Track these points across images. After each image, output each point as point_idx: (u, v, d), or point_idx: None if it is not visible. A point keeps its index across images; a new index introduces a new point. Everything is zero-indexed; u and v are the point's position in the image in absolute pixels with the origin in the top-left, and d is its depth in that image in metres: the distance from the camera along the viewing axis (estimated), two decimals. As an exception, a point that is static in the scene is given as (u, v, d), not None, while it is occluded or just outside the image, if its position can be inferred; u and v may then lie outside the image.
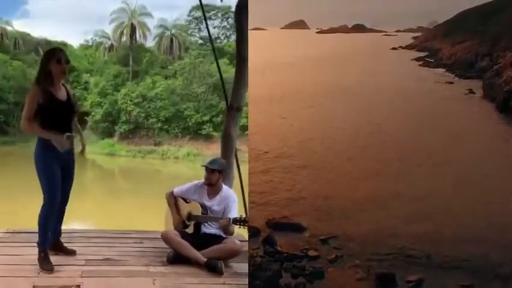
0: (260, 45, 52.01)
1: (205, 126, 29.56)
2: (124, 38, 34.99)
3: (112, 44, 35.95)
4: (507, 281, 6.48)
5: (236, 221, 4.10)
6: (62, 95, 3.79)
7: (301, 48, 56.61)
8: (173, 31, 34.81)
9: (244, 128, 21.78)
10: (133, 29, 34.74)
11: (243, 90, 4.82)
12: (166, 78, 32.68)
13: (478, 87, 22.75)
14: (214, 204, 4.31)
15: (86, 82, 33.58)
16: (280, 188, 10.07)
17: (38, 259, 3.71)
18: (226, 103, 4.95)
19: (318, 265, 6.86)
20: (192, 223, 4.30)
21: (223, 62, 29.46)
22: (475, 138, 14.67)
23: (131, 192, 22.04)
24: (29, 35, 35.82)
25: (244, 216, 4.20)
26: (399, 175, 10.99)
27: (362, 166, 11.62)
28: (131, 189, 23.26)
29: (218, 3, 35.12)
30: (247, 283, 3.76)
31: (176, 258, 4.07)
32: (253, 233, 7.34)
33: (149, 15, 35.25)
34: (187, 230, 4.28)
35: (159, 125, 30.38)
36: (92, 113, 30.42)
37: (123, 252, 4.23)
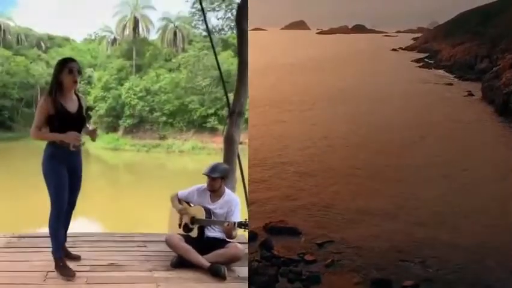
0: (260, 46, 52.13)
1: (210, 120, 29.52)
2: (126, 32, 34.95)
3: (114, 38, 35.96)
4: None
5: (241, 225, 4.12)
6: (72, 106, 3.79)
7: (302, 49, 56.72)
8: (176, 23, 34.67)
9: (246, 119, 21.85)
10: (135, 23, 34.68)
11: (245, 94, 4.83)
12: (170, 71, 32.62)
13: (477, 89, 22.80)
14: (217, 207, 4.33)
15: (90, 76, 33.68)
16: (279, 192, 10.07)
17: (56, 267, 3.74)
18: (228, 108, 4.97)
19: (314, 270, 6.87)
20: (196, 227, 4.32)
21: (228, 54, 29.32)
22: (473, 141, 14.65)
23: (136, 187, 22.17)
24: (31, 30, 35.89)
25: (247, 220, 4.21)
26: (398, 178, 10.97)
27: (361, 170, 11.59)
28: (136, 183, 23.39)
29: (222, -6, 34.89)
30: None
31: (180, 263, 4.09)
32: (251, 237, 7.33)
33: (152, 7, 35.16)
34: (190, 234, 4.31)
35: (163, 118, 30.40)
36: (96, 108, 30.50)
37: (127, 257, 4.26)
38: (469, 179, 11.00)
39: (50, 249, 3.80)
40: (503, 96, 18.34)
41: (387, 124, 16.60)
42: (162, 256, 4.28)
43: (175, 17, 34.99)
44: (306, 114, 18.55)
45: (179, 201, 4.47)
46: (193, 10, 35.81)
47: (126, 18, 34.62)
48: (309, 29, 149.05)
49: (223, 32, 35.02)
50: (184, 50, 33.68)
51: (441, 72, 32.44)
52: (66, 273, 3.68)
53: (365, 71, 33.47)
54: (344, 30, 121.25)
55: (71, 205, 3.94)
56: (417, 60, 39.86)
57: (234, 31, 35.37)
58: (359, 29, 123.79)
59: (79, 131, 3.84)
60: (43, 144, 3.80)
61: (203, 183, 4.43)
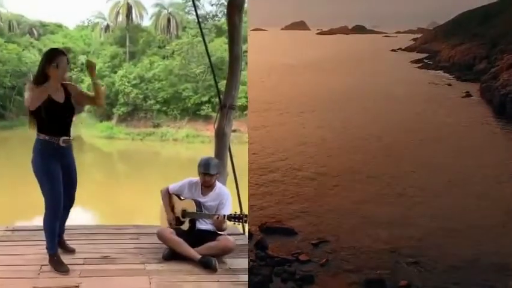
0: (260, 46, 51.92)
1: (204, 107, 29.50)
2: (120, 18, 34.62)
3: (108, 25, 35.61)
4: None
5: (231, 218, 4.19)
6: (59, 95, 3.69)
7: (302, 50, 56.64)
8: (170, 10, 34.37)
9: (244, 107, 21.83)
10: (129, 9, 34.34)
11: (236, 88, 4.84)
12: (163, 58, 32.42)
13: (476, 90, 23.00)
14: (208, 201, 4.40)
15: (83, 64, 33.36)
16: (277, 193, 10.16)
17: (50, 262, 3.77)
18: (220, 102, 4.99)
19: (308, 270, 6.95)
20: (187, 220, 4.39)
21: (222, 40, 29.17)
22: (470, 141, 14.75)
23: (131, 175, 22.23)
24: (23, 16, 35.42)
25: (238, 213, 4.28)
26: (395, 179, 11.06)
27: (359, 171, 11.68)
28: (130, 172, 23.44)
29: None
30: (240, 279, 3.87)
31: (172, 256, 4.17)
32: (248, 237, 7.46)
33: (145, -7, 34.78)
34: (182, 227, 4.38)
35: (157, 106, 30.34)
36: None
37: (120, 250, 4.33)
38: (466, 179, 11.08)
39: (45, 244, 3.83)
40: (500, 97, 18.52)
41: (387, 125, 16.73)
42: (154, 248, 4.35)
43: (168, 3, 34.72)
44: (305, 115, 18.62)
45: (170, 196, 4.51)
46: (187, -4, 35.64)
47: (119, 4, 34.27)
48: (309, 29, 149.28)
49: (216, 18, 34.77)
50: (177, 37, 33.45)
51: (440, 72, 32.67)
52: (60, 269, 3.72)
53: (365, 71, 33.64)
54: (343, 30, 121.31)
55: (71, 201, 3.95)
56: (417, 61, 40.10)
57: (228, 18, 35.17)
58: (359, 29, 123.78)
59: (68, 121, 3.77)
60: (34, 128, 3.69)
61: (197, 171, 4.45)
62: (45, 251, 3.84)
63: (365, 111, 19.39)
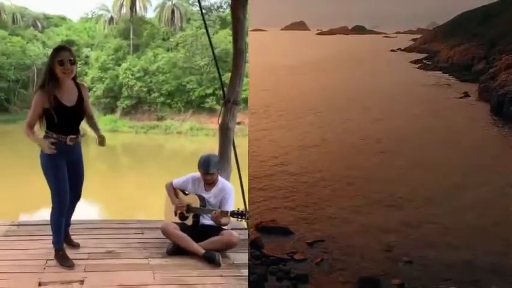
0: (260, 47, 51.78)
1: (208, 100, 29.42)
2: (123, 10, 34.55)
3: (111, 17, 35.55)
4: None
5: (234, 214, 4.20)
6: (70, 97, 3.65)
7: (302, 50, 56.52)
8: (174, 1, 34.24)
9: (245, 100, 21.80)
10: (133, 1, 34.23)
11: (240, 83, 4.81)
12: (167, 50, 32.32)
13: (474, 90, 23.02)
14: (211, 196, 4.41)
15: (87, 57, 33.38)
16: (276, 194, 10.20)
17: (56, 257, 3.80)
18: (224, 96, 4.96)
19: (303, 268, 6.99)
20: (191, 215, 4.40)
21: (227, 32, 29.03)
22: (468, 141, 14.74)
23: (134, 168, 22.27)
24: (27, 9, 35.42)
25: (242, 209, 4.28)
26: (393, 180, 11.08)
27: (357, 172, 11.69)
28: (134, 165, 23.49)
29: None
30: (243, 274, 3.88)
31: (176, 250, 4.19)
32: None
33: (149, -15, 34.68)
34: (186, 222, 4.40)
35: (161, 99, 30.28)
36: (93, 89, 30.30)
37: (124, 244, 4.35)
38: (464, 179, 11.08)
39: (50, 239, 3.87)
40: (498, 97, 18.56)
41: (386, 125, 16.72)
42: (158, 243, 4.37)
43: (172, -5, 34.56)
44: (305, 116, 18.61)
45: (175, 190, 4.53)
46: (191, -13, 35.46)
47: (123, -4, 34.20)
48: (309, 29, 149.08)
49: (221, 10, 34.63)
50: (182, 29, 33.34)
51: (439, 73, 32.73)
52: (65, 263, 3.75)
53: (365, 71, 33.65)
54: (343, 30, 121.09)
55: (77, 197, 3.97)
56: (416, 61, 40.21)
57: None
58: (359, 30, 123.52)
59: (78, 122, 3.75)
60: (43, 128, 3.69)
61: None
62: (51, 245, 3.87)
63: (364, 111, 19.42)
